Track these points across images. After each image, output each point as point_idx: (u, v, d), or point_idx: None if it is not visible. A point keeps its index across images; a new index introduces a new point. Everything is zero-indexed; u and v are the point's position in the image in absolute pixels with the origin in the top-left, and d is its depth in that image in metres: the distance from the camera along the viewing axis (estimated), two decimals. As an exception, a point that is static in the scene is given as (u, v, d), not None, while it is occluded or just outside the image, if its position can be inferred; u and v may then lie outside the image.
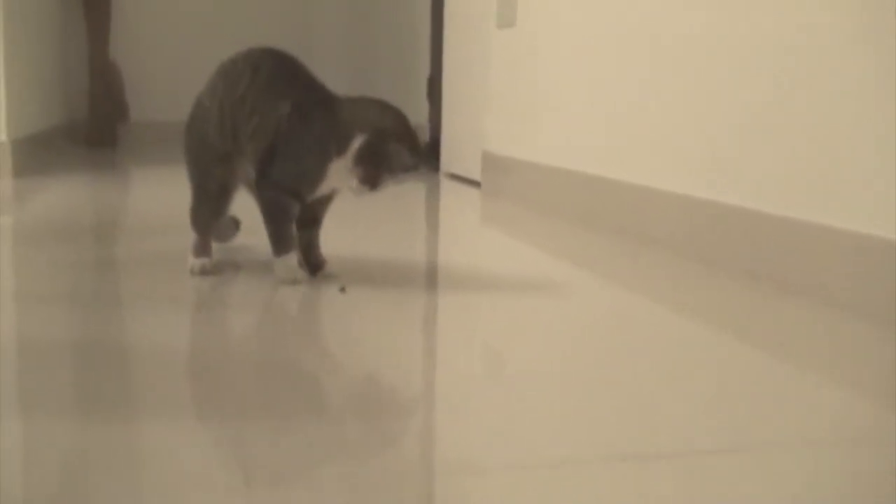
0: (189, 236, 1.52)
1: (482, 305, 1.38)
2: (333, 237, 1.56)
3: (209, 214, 1.53)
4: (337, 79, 5.95)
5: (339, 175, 1.40)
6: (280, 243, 1.44)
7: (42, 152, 3.51)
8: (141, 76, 4.82)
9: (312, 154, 1.40)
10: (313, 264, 1.50)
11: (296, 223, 1.46)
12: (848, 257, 1.38)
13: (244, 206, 1.55)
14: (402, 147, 1.38)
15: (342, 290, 1.42)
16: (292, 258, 1.44)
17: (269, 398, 0.92)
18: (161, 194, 2.63)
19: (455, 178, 3.21)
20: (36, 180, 2.78)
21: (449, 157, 3.48)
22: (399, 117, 1.43)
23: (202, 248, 1.52)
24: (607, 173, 2.14)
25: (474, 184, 3.10)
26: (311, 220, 1.49)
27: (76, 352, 1.06)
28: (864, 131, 1.36)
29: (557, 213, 2.33)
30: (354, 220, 2.15)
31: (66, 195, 2.50)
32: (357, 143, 1.37)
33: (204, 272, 1.49)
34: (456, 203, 2.68)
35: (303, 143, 1.40)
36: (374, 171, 1.37)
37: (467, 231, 2.18)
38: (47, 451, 0.76)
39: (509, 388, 0.97)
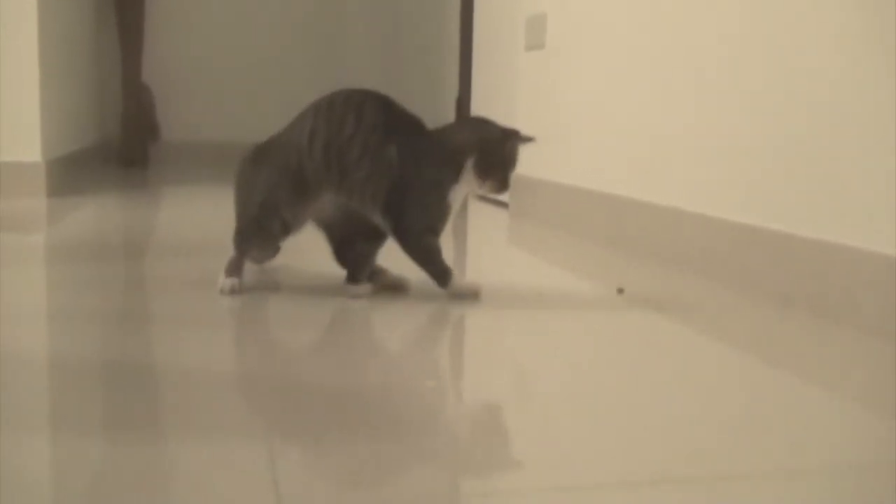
0: (220, 257, 1.53)
1: (511, 325, 1.38)
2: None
3: (257, 247, 1.59)
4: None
5: (461, 196, 1.52)
6: (443, 276, 1.51)
7: (75, 172, 3.56)
8: (172, 97, 4.88)
9: (434, 192, 1.49)
10: (371, 273, 1.56)
11: (361, 235, 1.53)
12: (879, 280, 1.37)
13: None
14: (508, 143, 1.51)
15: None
16: (456, 278, 1.52)
17: (300, 418, 0.92)
18: (192, 214, 2.65)
19: (483, 199, 3.22)
20: (69, 200, 2.81)
21: (477, 178, 3.48)
22: (486, 122, 1.55)
23: (235, 268, 1.54)
24: (635, 195, 2.13)
25: (502, 205, 3.11)
26: (377, 234, 1.54)
27: (106, 370, 1.07)
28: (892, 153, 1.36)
29: (585, 235, 2.33)
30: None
31: (99, 214, 2.53)
32: (470, 163, 1.48)
33: (233, 292, 1.51)
34: (484, 224, 2.68)
35: (422, 187, 1.48)
36: (501, 175, 1.50)
37: (495, 251, 2.18)
38: (76, 470, 0.77)
39: (539, 410, 0.97)
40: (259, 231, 1.53)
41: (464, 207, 3.09)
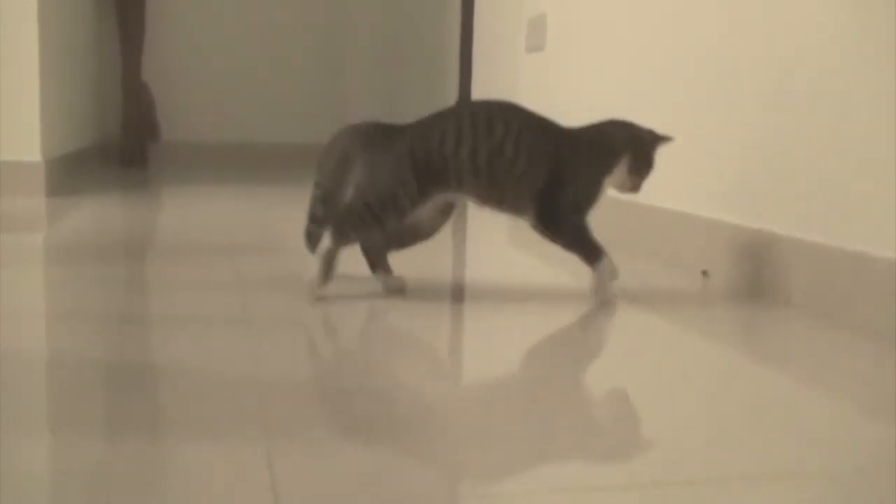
0: (221, 257, 1.53)
1: (510, 325, 1.38)
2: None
3: (355, 238, 1.52)
4: (368, 101, 6.00)
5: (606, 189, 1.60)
6: (593, 252, 1.57)
7: (75, 172, 3.56)
8: (172, 97, 4.88)
9: (589, 177, 1.57)
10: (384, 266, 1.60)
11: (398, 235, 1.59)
12: (880, 283, 1.37)
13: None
14: (656, 146, 1.59)
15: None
16: (609, 258, 1.57)
17: (299, 418, 0.92)
18: (192, 214, 2.65)
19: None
20: (68, 199, 2.81)
21: (477, 180, 3.49)
22: (633, 124, 1.61)
23: (329, 265, 1.50)
24: (637, 197, 2.13)
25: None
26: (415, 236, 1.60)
27: (105, 370, 1.07)
28: (896, 157, 1.36)
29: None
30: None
31: (98, 214, 2.53)
32: (624, 160, 1.57)
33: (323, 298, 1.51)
34: (483, 223, 2.68)
35: (577, 174, 1.55)
36: (644, 175, 1.59)
37: (494, 251, 2.18)
38: (74, 470, 0.77)
39: (537, 411, 0.97)
40: (368, 220, 1.49)
41: (463, 206, 3.09)
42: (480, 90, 3.43)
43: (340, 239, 1.49)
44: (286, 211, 2.84)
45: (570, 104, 2.55)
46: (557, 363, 1.19)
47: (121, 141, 4.42)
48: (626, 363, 1.21)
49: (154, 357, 1.14)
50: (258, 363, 1.14)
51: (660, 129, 2.03)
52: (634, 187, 1.59)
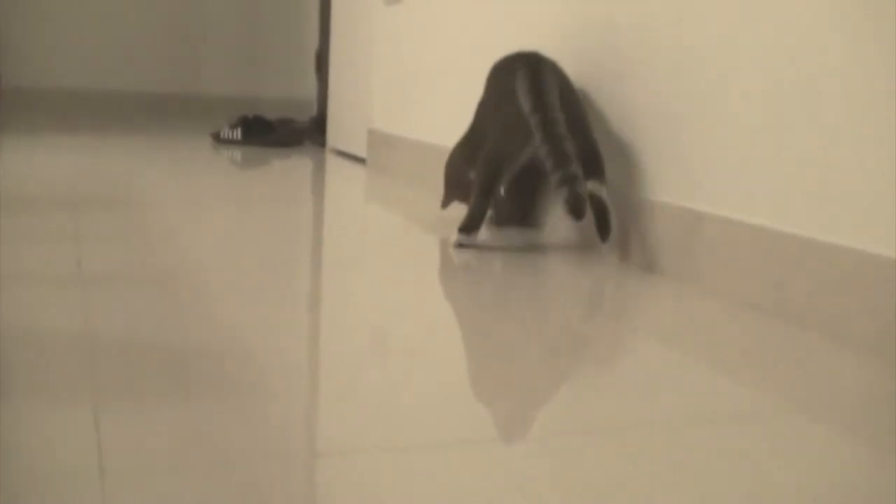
0: (67, 212, 1.45)
1: (366, 281, 1.37)
2: (221, 216, 1.52)
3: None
4: (227, 54, 5.81)
5: None
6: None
7: None
8: (12, 40, 4.60)
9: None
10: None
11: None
12: (875, 284, 1.40)
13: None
14: None
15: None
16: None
17: (133, 379, 0.89)
18: (34, 165, 2.51)
19: (341, 154, 3.18)
20: None
21: (335, 134, 3.45)
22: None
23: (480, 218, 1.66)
24: (491, 153, 2.15)
25: (360, 160, 3.08)
26: None
27: (-74, 331, 1.01)
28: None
29: (440, 189, 2.33)
30: (243, 195, 2.10)
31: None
32: None
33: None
34: (341, 179, 2.65)
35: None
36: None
37: (352, 207, 2.16)
38: None
39: (392, 368, 0.97)
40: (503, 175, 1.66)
41: (322, 162, 3.05)
42: (339, 42, 3.37)
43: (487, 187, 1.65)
44: (133, 162, 2.73)
45: (426, 58, 2.53)
46: (409, 318, 1.19)
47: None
48: (494, 314, 1.22)
49: (-22, 316, 1.07)
50: (100, 322, 1.09)
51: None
52: None
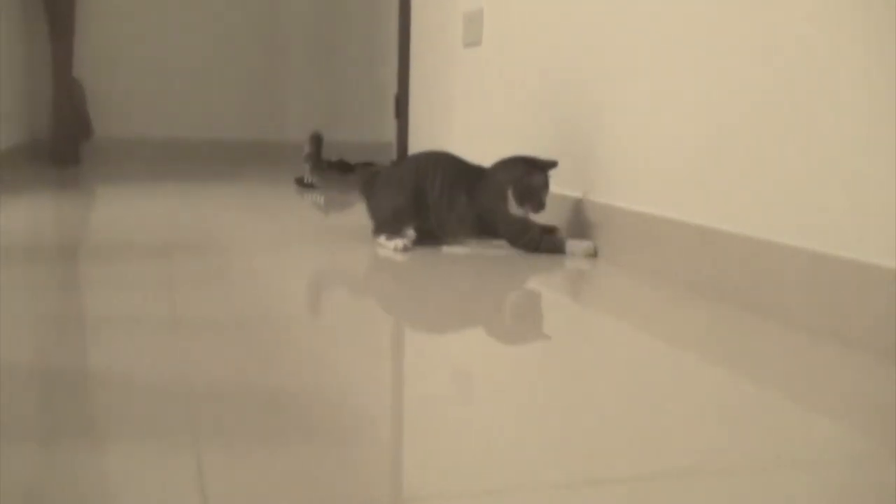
0: (155, 257, 1.50)
1: (446, 321, 1.37)
2: (308, 258, 1.54)
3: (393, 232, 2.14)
4: (306, 97, 5.93)
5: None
6: (546, 244, 2.05)
7: (5, 171, 3.47)
8: (104, 93, 4.79)
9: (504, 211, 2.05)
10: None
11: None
12: (871, 292, 1.38)
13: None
14: (533, 181, 1.99)
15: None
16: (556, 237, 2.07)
17: (230, 423, 0.90)
18: (126, 212, 2.60)
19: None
20: (-3, 199, 2.74)
21: (416, 175, 3.48)
22: (517, 164, 2.02)
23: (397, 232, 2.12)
24: (571, 192, 2.15)
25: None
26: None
27: (38, 376, 1.04)
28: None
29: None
30: (327, 238, 2.14)
31: (30, 215, 2.46)
32: (510, 194, 2.00)
33: (406, 249, 2.03)
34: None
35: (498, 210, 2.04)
36: (531, 205, 1.99)
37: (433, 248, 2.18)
38: (5, 478, 0.75)
39: (476, 412, 0.97)
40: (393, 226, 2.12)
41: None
42: (418, 86, 3.42)
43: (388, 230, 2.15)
44: (220, 209, 2.80)
45: (505, 98, 2.55)
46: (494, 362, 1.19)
47: (52, 139, 4.32)
48: (573, 360, 1.21)
49: (88, 361, 1.11)
50: (192, 367, 1.11)
51: (590, 121, 2.04)
52: (535, 209, 1.98)
